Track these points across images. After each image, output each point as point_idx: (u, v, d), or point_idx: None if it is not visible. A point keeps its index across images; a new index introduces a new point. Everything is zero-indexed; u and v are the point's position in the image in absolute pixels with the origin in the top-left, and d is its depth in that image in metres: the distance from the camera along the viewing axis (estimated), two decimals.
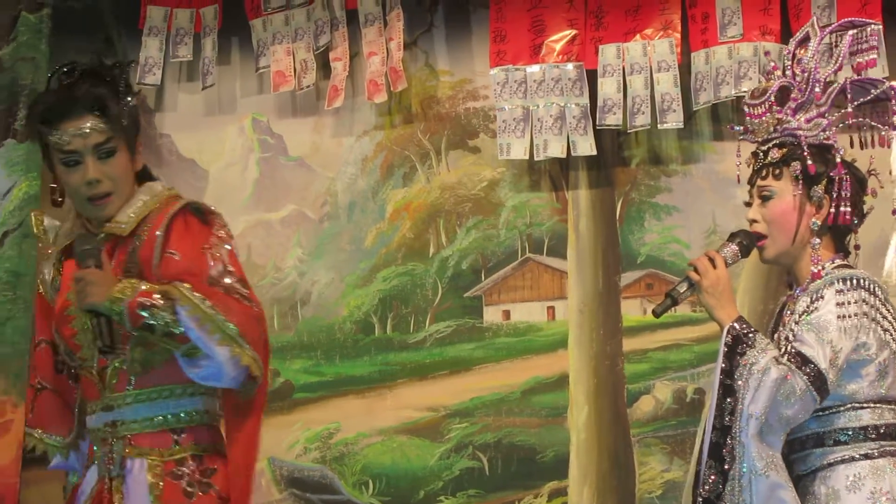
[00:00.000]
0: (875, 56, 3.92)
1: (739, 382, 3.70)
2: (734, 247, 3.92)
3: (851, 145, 3.95)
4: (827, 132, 3.86)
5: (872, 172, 3.93)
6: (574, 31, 5.67)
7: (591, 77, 5.63)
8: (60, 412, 4.02)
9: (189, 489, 3.76)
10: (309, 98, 6.02)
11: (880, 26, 5.18)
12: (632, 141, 5.69)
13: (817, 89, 3.87)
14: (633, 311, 5.62)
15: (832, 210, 3.83)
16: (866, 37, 3.89)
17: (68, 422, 4.02)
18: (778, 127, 3.89)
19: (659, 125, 5.52)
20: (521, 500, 5.63)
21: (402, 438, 5.77)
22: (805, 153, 3.82)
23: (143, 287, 3.64)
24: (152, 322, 3.61)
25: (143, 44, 6.06)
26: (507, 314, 5.78)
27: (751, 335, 3.74)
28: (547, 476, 5.63)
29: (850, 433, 3.75)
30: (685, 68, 5.54)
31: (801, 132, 3.85)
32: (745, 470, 3.66)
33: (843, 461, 3.73)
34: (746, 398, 3.68)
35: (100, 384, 3.78)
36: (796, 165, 3.83)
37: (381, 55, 5.82)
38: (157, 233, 3.75)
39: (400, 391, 5.82)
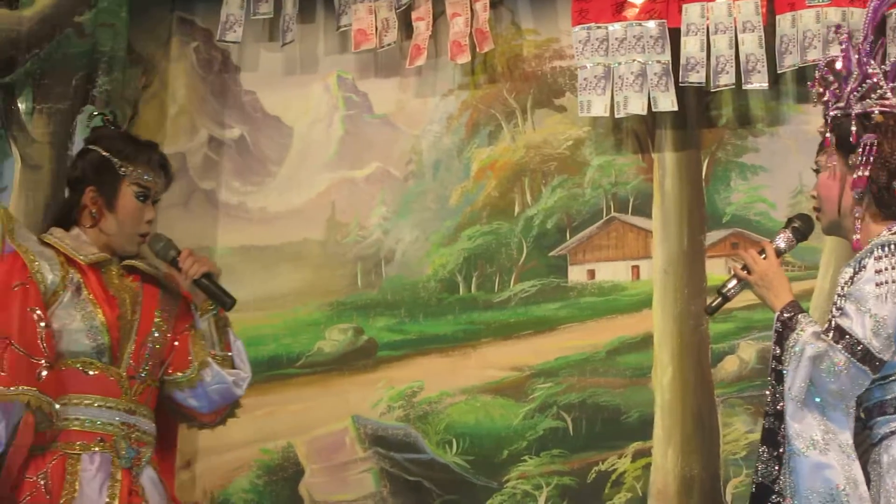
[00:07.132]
0: None
1: (786, 366, 3.69)
2: (788, 233, 3.98)
3: None
4: (862, 102, 3.81)
5: None
6: None
7: (674, 36, 5.59)
8: None
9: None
10: (391, 57, 5.99)
11: None
12: (718, 101, 5.65)
13: (854, 58, 3.83)
14: (717, 270, 5.58)
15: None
16: None
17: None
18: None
19: (744, 85, 5.47)
20: (605, 461, 5.62)
21: (486, 398, 5.77)
22: (829, 124, 3.83)
23: None
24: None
25: (224, 1, 6.06)
26: (591, 273, 5.77)
27: (793, 318, 3.73)
28: (631, 437, 5.62)
29: None
30: (770, 28, 5.49)
31: (831, 104, 3.84)
32: (789, 451, 3.66)
33: None
34: (788, 379, 3.67)
35: (124, 388, 4.20)
36: (832, 137, 3.81)
37: (464, 16, 5.80)
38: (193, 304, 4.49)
39: (484, 350, 5.81)
